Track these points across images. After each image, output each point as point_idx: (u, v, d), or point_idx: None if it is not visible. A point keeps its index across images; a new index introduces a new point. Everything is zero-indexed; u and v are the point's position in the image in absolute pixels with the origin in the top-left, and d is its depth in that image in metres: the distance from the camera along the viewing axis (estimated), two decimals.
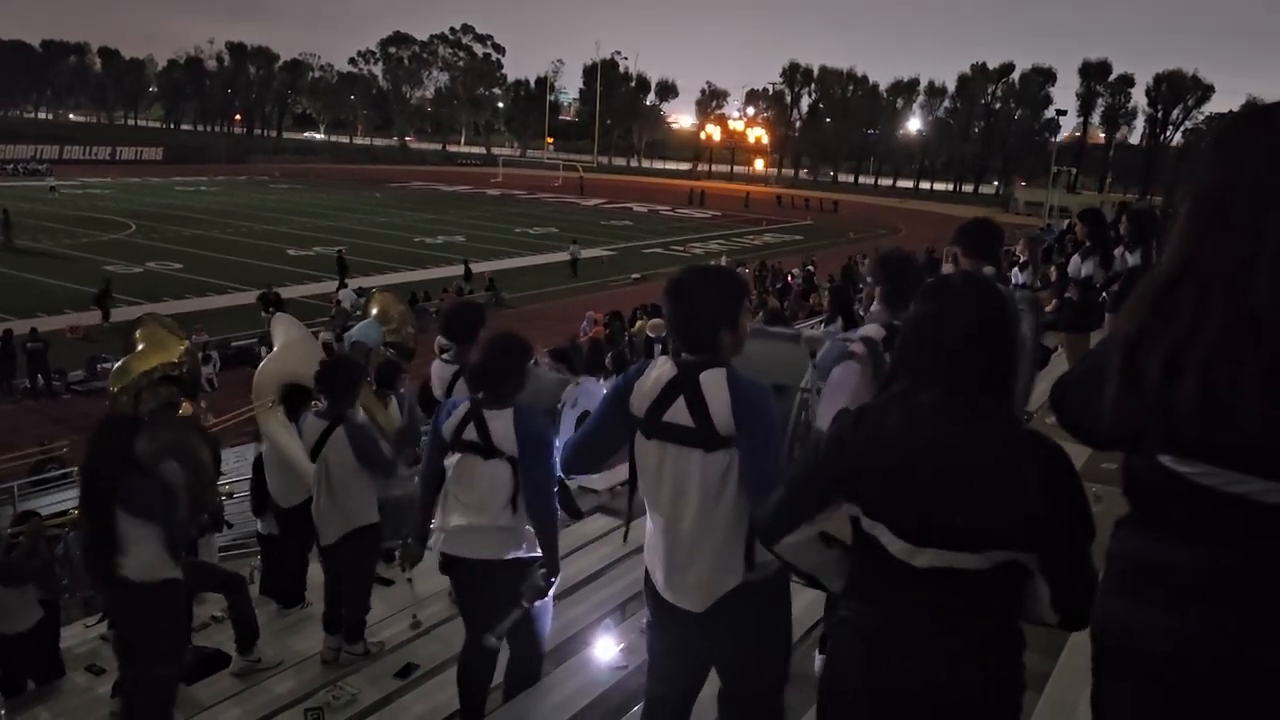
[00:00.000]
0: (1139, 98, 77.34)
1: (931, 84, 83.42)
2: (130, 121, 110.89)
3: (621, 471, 2.62)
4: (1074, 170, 74.94)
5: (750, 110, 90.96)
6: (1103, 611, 1.45)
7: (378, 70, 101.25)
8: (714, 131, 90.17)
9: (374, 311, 7.07)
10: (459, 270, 28.50)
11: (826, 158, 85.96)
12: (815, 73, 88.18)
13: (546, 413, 3.69)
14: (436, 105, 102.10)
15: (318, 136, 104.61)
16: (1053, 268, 7.76)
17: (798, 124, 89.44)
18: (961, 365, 1.69)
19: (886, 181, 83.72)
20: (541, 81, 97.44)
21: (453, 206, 50.46)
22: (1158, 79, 75.77)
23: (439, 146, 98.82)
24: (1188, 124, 74.56)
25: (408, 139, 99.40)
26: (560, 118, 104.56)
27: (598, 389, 4.17)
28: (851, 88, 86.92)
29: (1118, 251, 6.97)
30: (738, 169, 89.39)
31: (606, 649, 4.14)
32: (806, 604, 3.60)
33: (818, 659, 3.36)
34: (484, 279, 26.85)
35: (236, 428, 10.39)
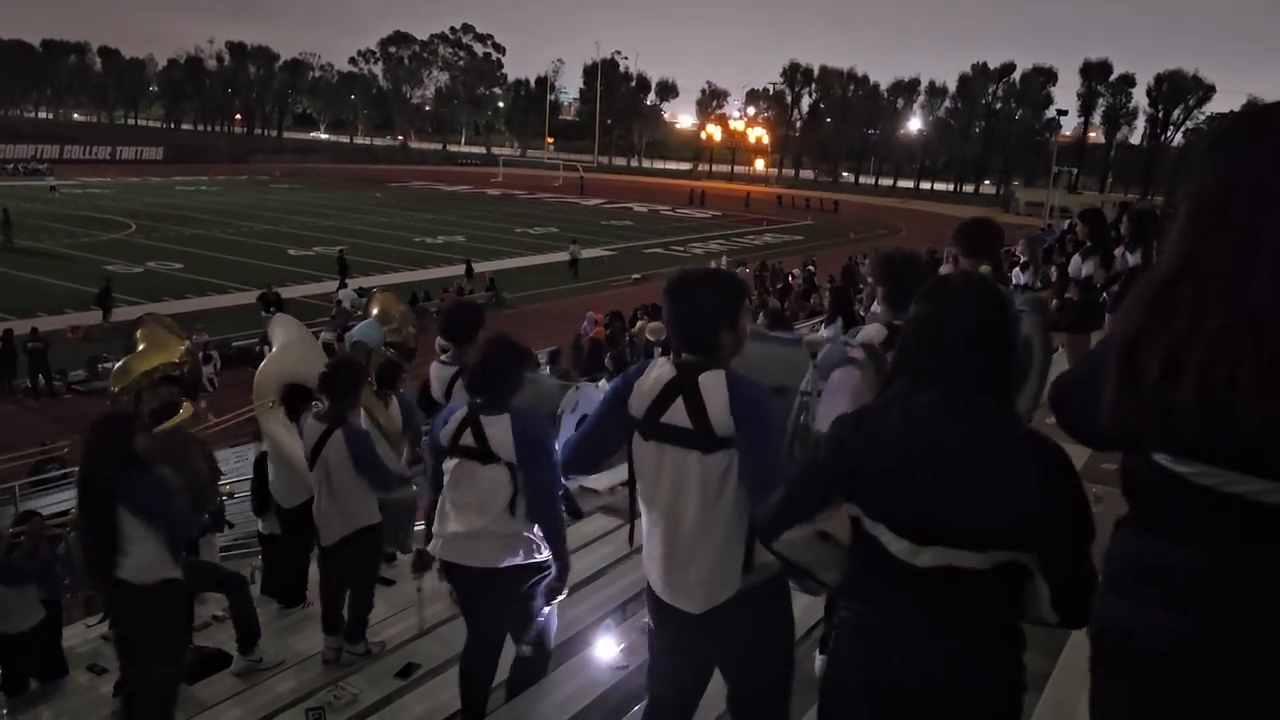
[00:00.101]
0: (1140, 98, 77.50)
1: (932, 84, 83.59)
2: (130, 121, 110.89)
3: (623, 471, 2.62)
4: (1075, 170, 74.89)
5: (750, 110, 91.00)
6: (1101, 611, 1.45)
7: (378, 70, 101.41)
8: (714, 131, 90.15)
9: (375, 311, 7.09)
10: (459, 270, 28.50)
11: (827, 157, 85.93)
12: (816, 72, 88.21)
13: (547, 417, 3.69)
14: (437, 105, 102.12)
15: (324, 136, 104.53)
16: (1053, 268, 7.76)
17: (798, 124, 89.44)
18: (961, 365, 1.69)
19: (887, 181, 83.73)
20: (542, 81, 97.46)
21: (453, 206, 50.46)
22: (1159, 79, 75.78)
23: (439, 146, 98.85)
24: (1189, 124, 74.57)
25: (400, 137, 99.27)
26: (560, 117, 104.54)
27: (596, 393, 4.17)
28: (852, 88, 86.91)
29: (1118, 252, 6.96)
30: (738, 169, 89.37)
31: (607, 649, 4.15)
32: (806, 604, 3.60)
33: (818, 659, 3.36)
34: (484, 279, 26.85)
35: (237, 427, 10.38)
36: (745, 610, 2.43)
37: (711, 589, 2.42)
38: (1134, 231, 7.08)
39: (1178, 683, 1.32)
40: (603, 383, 6.14)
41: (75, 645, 5.62)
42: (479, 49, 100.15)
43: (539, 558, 3.47)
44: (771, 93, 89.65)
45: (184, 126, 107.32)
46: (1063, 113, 66.09)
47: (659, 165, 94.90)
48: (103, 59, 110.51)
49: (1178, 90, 75.10)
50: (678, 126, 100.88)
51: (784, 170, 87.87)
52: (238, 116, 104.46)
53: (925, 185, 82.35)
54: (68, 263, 28.80)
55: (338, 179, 63.15)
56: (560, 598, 3.51)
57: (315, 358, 5.74)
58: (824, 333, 7.84)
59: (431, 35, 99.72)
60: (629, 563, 5.24)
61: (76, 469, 4.26)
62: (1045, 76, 78.69)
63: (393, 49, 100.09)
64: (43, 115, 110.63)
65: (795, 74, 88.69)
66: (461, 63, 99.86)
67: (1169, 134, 76.75)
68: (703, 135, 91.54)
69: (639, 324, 17.87)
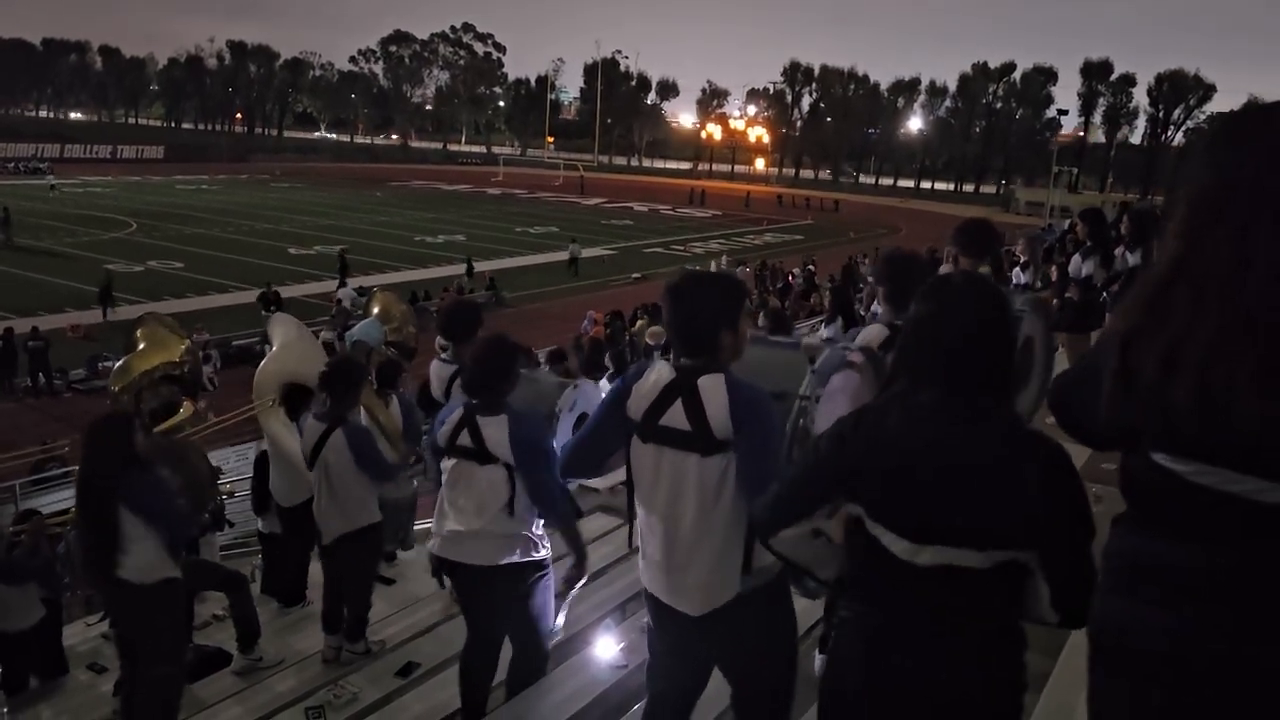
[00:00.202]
0: (1140, 97, 77.48)
1: (932, 83, 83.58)
2: (131, 120, 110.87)
3: (622, 472, 2.62)
4: (1075, 170, 74.87)
5: (751, 109, 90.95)
6: (1100, 610, 1.45)
7: (378, 69, 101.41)
8: (715, 131, 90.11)
9: (375, 311, 7.09)
10: (460, 269, 28.50)
11: (827, 156, 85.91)
12: (816, 72, 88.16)
13: (545, 417, 3.70)
14: (437, 104, 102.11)
15: (331, 137, 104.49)
16: (1053, 267, 7.76)
17: (798, 123, 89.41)
18: (961, 365, 1.69)
19: (887, 181, 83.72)
20: (542, 80, 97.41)
21: (453, 205, 50.45)
22: (1159, 78, 75.77)
23: (440, 145, 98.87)
24: (1189, 124, 74.51)
25: (395, 135, 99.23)
26: (561, 117, 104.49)
27: (596, 392, 4.18)
28: (852, 87, 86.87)
29: (1118, 251, 6.96)
30: (738, 168, 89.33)
31: (607, 648, 4.15)
32: (806, 603, 3.60)
33: (818, 659, 3.36)
34: (484, 278, 26.86)
35: (237, 426, 10.39)
36: (745, 613, 2.43)
37: (710, 592, 2.41)
38: (1134, 231, 7.08)
39: (1176, 682, 1.32)
40: (604, 383, 6.14)
41: (75, 644, 5.62)
42: (479, 48, 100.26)
43: (537, 556, 3.47)
44: (772, 92, 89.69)
45: (184, 125, 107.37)
46: (1063, 112, 66.25)
47: (659, 164, 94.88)
48: (103, 58, 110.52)
49: (1178, 90, 75.09)
50: (678, 126, 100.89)
51: (784, 170, 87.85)
52: (238, 115, 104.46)
53: (925, 185, 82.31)
54: (68, 261, 28.80)
55: (338, 178, 63.14)
56: (581, 583, 3.52)
57: (315, 357, 5.74)
58: (824, 332, 7.85)
59: (432, 34, 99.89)
60: (629, 562, 5.24)
61: (76, 468, 4.26)
62: (1045, 76, 78.67)
63: (393, 48, 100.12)
64: (43, 114, 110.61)
65: (796, 73, 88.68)
66: (462, 62, 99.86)
67: (1170, 134, 76.76)
68: (703, 134, 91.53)
69: (639, 323, 17.86)
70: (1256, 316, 1.19)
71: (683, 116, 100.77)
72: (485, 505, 3.34)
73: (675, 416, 2.35)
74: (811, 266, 28.52)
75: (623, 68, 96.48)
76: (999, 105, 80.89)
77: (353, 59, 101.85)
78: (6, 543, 5.66)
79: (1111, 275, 6.66)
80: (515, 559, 3.41)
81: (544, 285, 28.72)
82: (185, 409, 5.59)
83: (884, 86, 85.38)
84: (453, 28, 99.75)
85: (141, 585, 3.97)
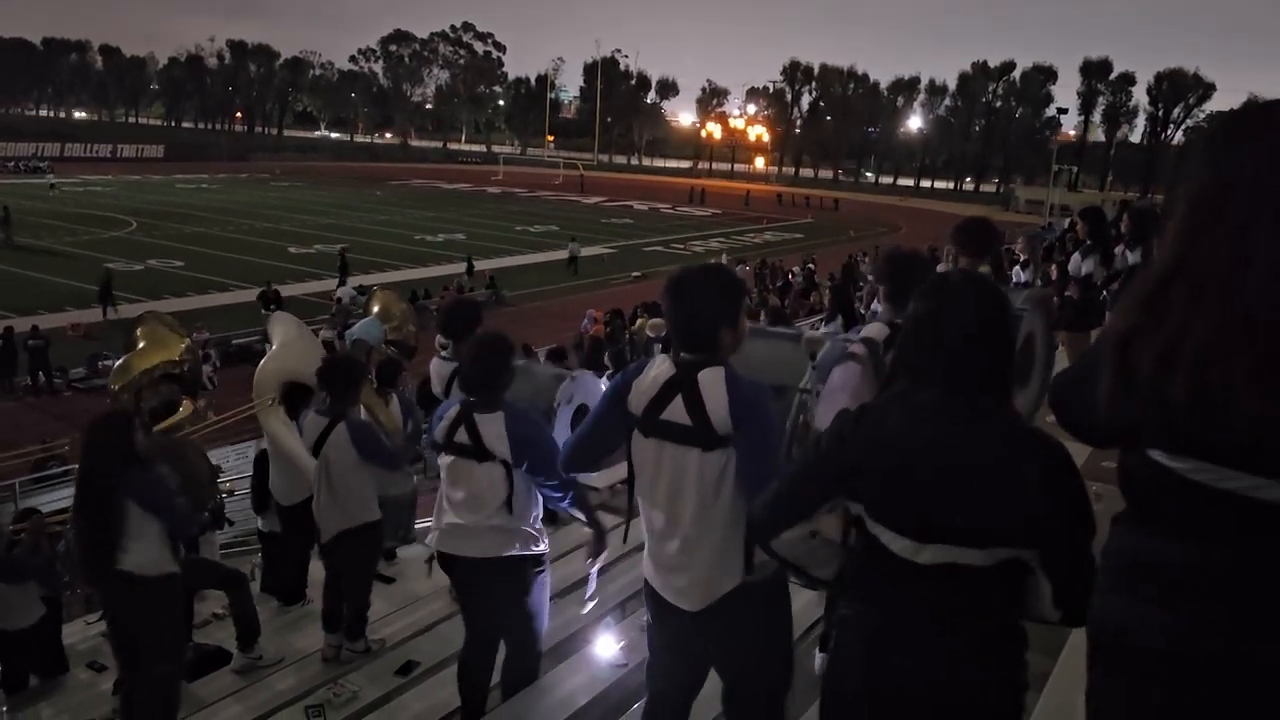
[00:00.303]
0: (1140, 96, 77.42)
1: (932, 82, 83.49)
2: (131, 119, 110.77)
3: (622, 469, 2.62)
4: (1075, 169, 74.87)
5: (751, 108, 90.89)
6: (1099, 609, 1.45)
7: (378, 68, 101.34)
8: (714, 129, 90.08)
9: (375, 309, 7.09)
10: (460, 268, 28.48)
11: (828, 155, 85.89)
12: (816, 71, 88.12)
13: (543, 411, 3.70)
14: (437, 103, 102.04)
15: (332, 136, 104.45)
16: (1053, 266, 7.76)
17: (798, 122, 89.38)
18: (961, 364, 1.69)
19: (887, 179, 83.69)
20: (542, 79, 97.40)
21: (453, 204, 50.44)
22: (1159, 77, 75.72)
23: (439, 144, 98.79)
24: (1189, 122, 74.47)
25: (390, 135, 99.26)
26: (561, 116, 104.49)
27: (594, 384, 4.17)
28: (852, 86, 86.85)
29: (1118, 250, 6.97)
30: (738, 167, 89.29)
31: (607, 647, 4.15)
32: (805, 602, 3.61)
33: (818, 657, 3.36)
34: (484, 277, 26.86)
35: (237, 425, 10.39)
36: (744, 612, 2.43)
37: (710, 587, 2.42)
38: (1134, 230, 7.08)
39: (1173, 680, 1.32)
40: (603, 381, 6.14)
41: (75, 642, 5.62)
42: (479, 47, 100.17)
43: (535, 550, 3.48)
44: (771, 91, 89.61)
45: (185, 125, 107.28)
46: (1063, 111, 66.17)
47: (659, 163, 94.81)
48: (104, 57, 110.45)
49: (1178, 88, 75.05)
50: (678, 125, 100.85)
51: (784, 168, 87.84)
52: (238, 115, 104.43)
53: (925, 184, 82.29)
54: (68, 260, 28.80)
55: (338, 177, 63.13)
56: (604, 556, 3.54)
57: (315, 356, 5.73)
58: (824, 331, 7.84)
59: (432, 33, 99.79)
60: (628, 561, 5.24)
61: (76, 466, 4.26)
62: (1045, 75, 78.61)
63: (393, 47, 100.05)
64: (44, 113, 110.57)
65: (795, 72, 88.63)
66: (462, 61, 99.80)
67: (1169, 132, 76.71)
68: (703, 133, 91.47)
69: (639, 322, 17.86)
70: (1256, 315, 1.19)
71: (682, 115, 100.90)
72: (484, 502, 3.35)
73: (676, 411, 2.36)
74: (811, 265, 28.50)
75: (622, 67, 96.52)
76: (999, 104, 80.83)
77: (353, 58, 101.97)
78: (6, 541, 5.67)
79: (1111, 274, 6.67)
80: (514, 552, 3.42)
81: (544, 284, 28.72)
82: (185, 408, 5.59)
83: (884, 85, 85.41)
84: (453, 27, 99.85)
85: (144, 577, 3.98)
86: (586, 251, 32.85)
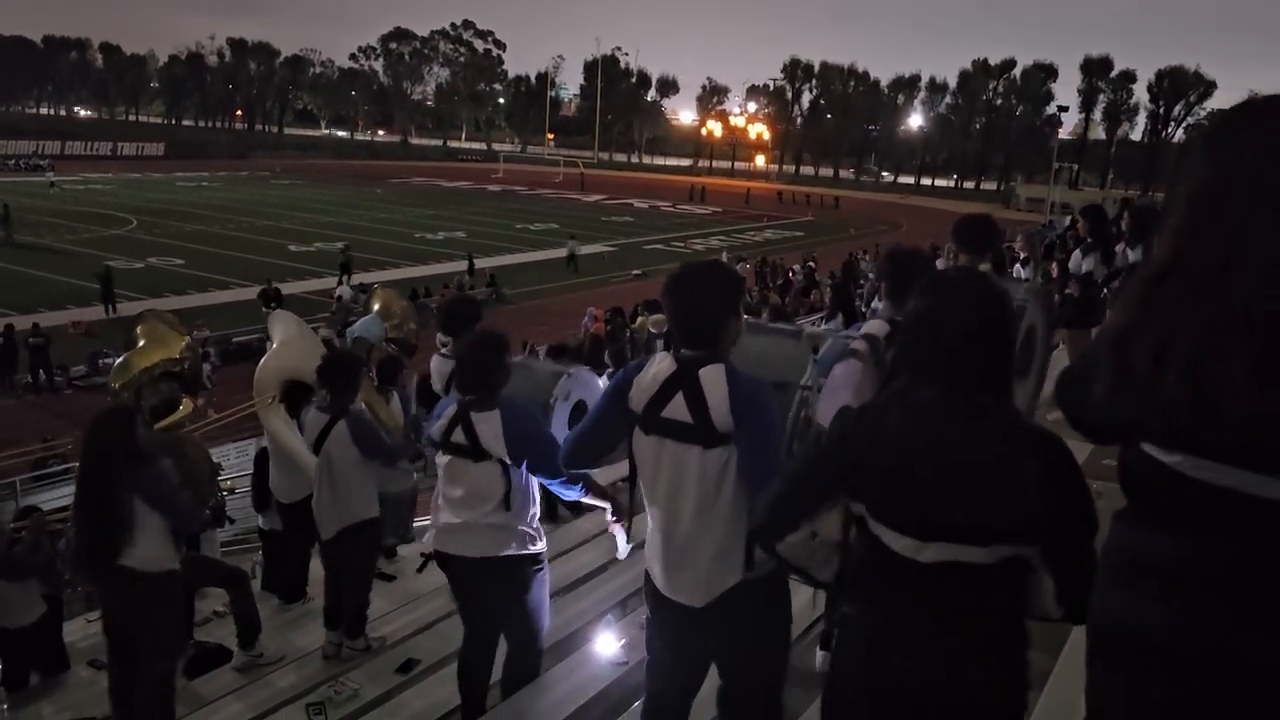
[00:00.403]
0: (1141, 94, 77.33)
1: (933, 80, 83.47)
2: (132, 117, 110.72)
3: (622, 468, 2.62)
4: (1075, 166, 74.82)
5: (751, 106, 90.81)
6: (1099, 605, 1.45)
7: (378, 66, 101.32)
8: (715, 127, 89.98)
9: (376, 307, 7.09)
10: (460, 266, 28.46)
11: (828, 153, 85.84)
12: (816, 68, 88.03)
13: (541, 407, 3.69)
14: (437, 101, 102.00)
15: (332, 133, 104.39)
16: (1054, 264, 7.76)
17: (799, 120, 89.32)
18: (961, 361, 1.69)
19: (888, 177, 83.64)
20: (542, 77, 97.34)
21: (453, 202, 50.41)
22: (1159, 75, 75.66)
23: (440, 142, 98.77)
24: (1190, 120, 74.37)
25: (387, 132, 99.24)
26: (561, 114, 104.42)
27: (592, 380, 4.17)
28: (853, 83, 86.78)
29: (1119, 248, 6.97)
30: (738, 165, 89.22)
31: (607, 645, 4.15)
32: (806, 601, 3.60)
33: (819, 655, 3.36)
34: (485, 275, 26.85)
35: (238, 423, 10.40)
36: (744, 609, 2.43)
37: (711, 583, 2.42)
38: (1135, 228, 7.09)
39: (1172, 675, 1.32)
40: (603, 380, 6.13)
41: (76, 640, 5.63)
42: (479, 45, 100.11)
43: (533, 549, 3.48)
44: (772, 89, 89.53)
45: (185, 123, 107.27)
46: (1063, 109, 65.91)
47: (659, 161, 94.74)
48: (104, 55, 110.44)
49: (1179, 86, 74.98)
50: (678, 123, 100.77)
51: (784, 166, 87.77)
52: (239, 113, 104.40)
53: (926, 181, 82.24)
54: (69, 258, 28.78)
55: (338, 175, 63.11)
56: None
57: (315, 354, 5.74)
58: (825, 328, 7.84)
59: (432, 31, 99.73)
60: (628, 559, 5.24)
61: (77, 464, 4.26)
62: (1046, 73, 78.56)
63: (393, 45, 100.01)
64: (44, 111, 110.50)
65: (796, 70, 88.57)
66: (462, 59, 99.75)
67: (1170, 130, 76.63)
68: (703, 131, 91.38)
69: (639, 320, 17.85)
70: (1255, 309, 1.19)
71: (683, 113, 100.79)
72: (482, 501, 3.35)
73: (677, 409, 2.36)
74: (812, 263, 28.48)
75: (623, 64, 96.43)
76: (999, 102, 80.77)
77: (353, 56, 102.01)
78: (7, 539, 5.66)
79: (1112, 271, 6.67)
80: (511, 551, 3.42)
81: (544, 282, 28.71)
82: (185, 406, 5.59)
83: (884, 83, 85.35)
84: (453, 25, 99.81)
85: (144, 574, 3.98)
86: (587, 249, 32.83)
